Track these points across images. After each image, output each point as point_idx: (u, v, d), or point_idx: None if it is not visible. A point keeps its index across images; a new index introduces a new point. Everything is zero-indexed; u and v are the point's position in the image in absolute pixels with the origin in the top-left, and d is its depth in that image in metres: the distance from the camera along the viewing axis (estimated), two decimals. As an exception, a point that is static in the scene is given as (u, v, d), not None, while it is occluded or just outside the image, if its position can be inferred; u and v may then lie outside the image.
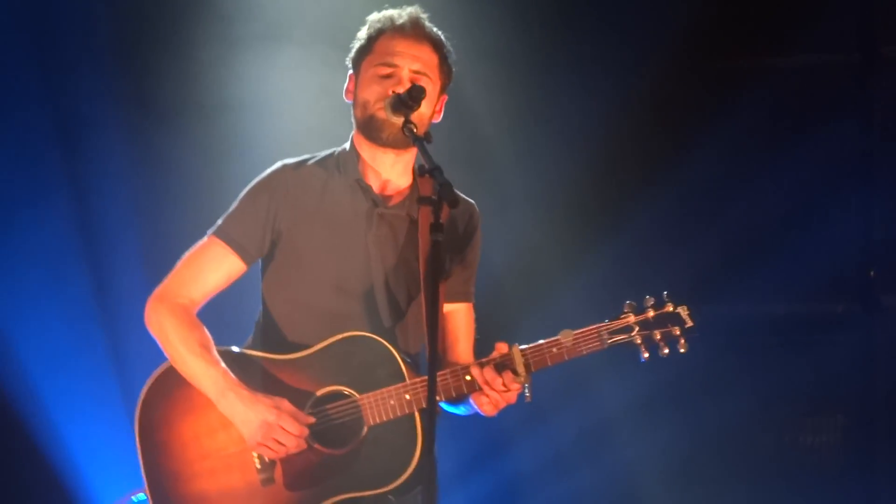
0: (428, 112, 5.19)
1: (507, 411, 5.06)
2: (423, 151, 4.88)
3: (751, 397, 8.44)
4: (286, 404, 5.01)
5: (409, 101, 5.02)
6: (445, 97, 5.30)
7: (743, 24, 8.31)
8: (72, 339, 7.79)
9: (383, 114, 5.11)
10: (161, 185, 7.89)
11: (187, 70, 7.88)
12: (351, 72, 5.29)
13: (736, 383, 8.40)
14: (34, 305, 7.78)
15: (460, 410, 5.19)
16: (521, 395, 5.00)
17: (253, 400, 5.00)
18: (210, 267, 5.20)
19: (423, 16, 5.25)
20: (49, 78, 7.85)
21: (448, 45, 5.27)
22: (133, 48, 7.91)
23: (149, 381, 5.15)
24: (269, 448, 4.99)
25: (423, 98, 5.04)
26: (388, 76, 5.15)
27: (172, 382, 5.12)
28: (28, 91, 7.79)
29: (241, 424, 5.01)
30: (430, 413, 4.57)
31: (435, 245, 4.61)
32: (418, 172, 5.24)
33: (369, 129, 5.18)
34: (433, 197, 4.67)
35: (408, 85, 5.09)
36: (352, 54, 5.29)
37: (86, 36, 7.86)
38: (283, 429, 4.96)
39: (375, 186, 5.24)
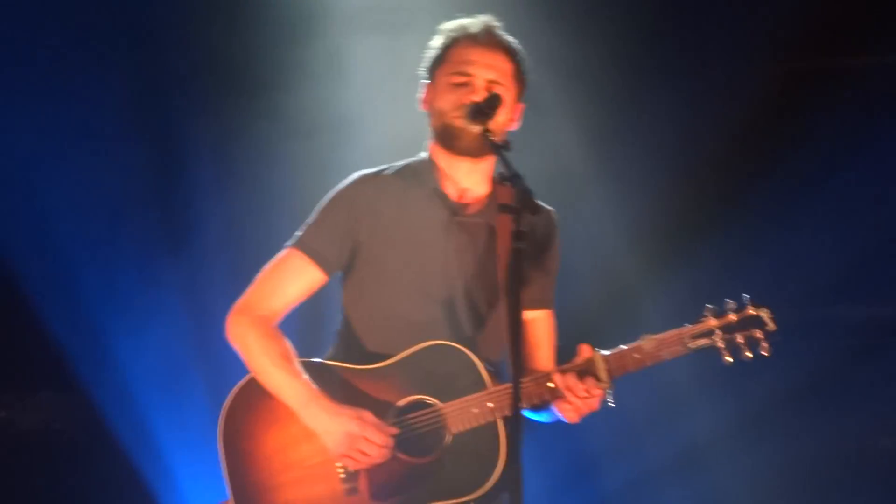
0: (505, 120, 5.18)
1: (595, 431, 5.05)
2: (503, 159, 4.85)
3: (834, 402, 8.39)
4: (369, 415, 5.01)
5: (486, 109, 5.03)
6: (522, 105, 5.30)
7: (827, 25, 8.25)
8: (166, 351, 7.91)
9: (460, 122, 5.11)
10: (259, 202, 8.05)
11: (293, 90, 8.00)
12: (426, 81, 5.31)
13: (817, 388, 8.36)
14: (132, 316, 7.92)
15: (543, 417, 5.17)
16: (604, 402, 4.99)
17: (336, 411, 5.02)
18: (290, 278, 5.22)
19: (497, 24, 5.26)
20: (152, 95, 8.03)
21: (523, 52, 5.27)
22: (242, 72, 8.05)
23: (232, 393, 5.19)
24: (353, 458, 5.00)
25: (500, 106, 5.05)
26: (463, 84, 5.16)
27: (255, 394, 5.15)
28: (129, 109, 7.94)
29: (324, 435, 5.03)
30: (515, 421, 4.55)
31: (517, 253, 4.58)
32: (497, 180, 5.24)
33: (446, 137, 5.19)
34: (514, 205, 4.67)
35: (483, 93, 5.10)
36: (426, 64, 5.30)
37: (190, 60, 8.03)
38: (367, 439, 4.97)
39: (453, 195, 5.25)
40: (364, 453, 4.99)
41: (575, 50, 7.98)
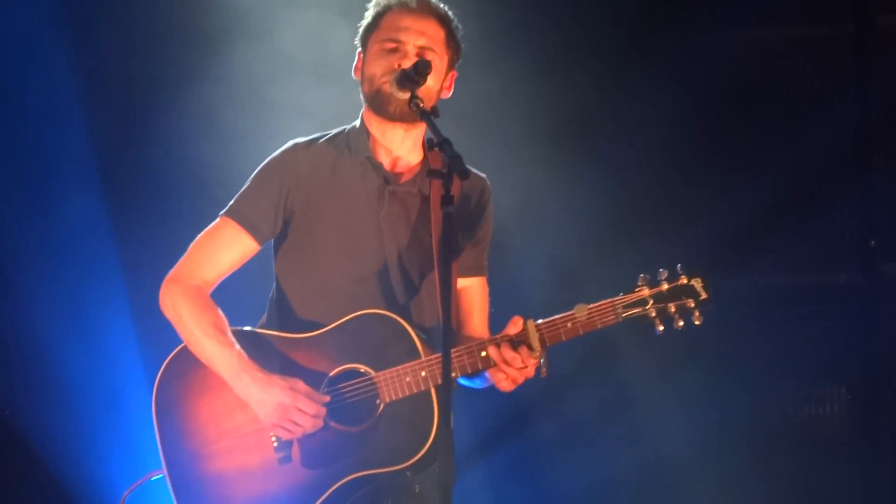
0: (436, 86, 5.07)
1: (525, 387, 5.01)
2: (432, 125, 4.76)
3: (753, 370, 8.39)
4: (301, 385, 4.89)
5: (414, 76, 4.90)
6: (455, 73, 5.17)
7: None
8: (96, 320, 7.80)
9: (388, 87, 5.00)
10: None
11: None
12: (359, 50, 5.18)
13: (737, 356, 8.35)
14: (61, 285, 7.80)
15: (476, 384, 5.07)
16: (537, 369, 4.93)
17: (268, 382, 4.90)
18: (223, 247, 5.10)
19: None
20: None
21: (455, 20, 5.14)
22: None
23: (165, 363, 5.06)
24: (285, 429, 4.88)
25: (428, 73, 4.91)
26: (394, 50, 5.05)
27: (188, 364, 5.02)
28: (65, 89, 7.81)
29: (256, 406, 4.91)
30: (445, 389, 4.43)
31: (446, 218, 4.50)
32: (427, 147, 5.07)
33: (376, 102, 5.06)
34: (443, 170, 4.59)
35: (414, 59, 4.98)
36: (359, 33, 5.19)
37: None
38: (299, 409, 4.85)
39: (386, 164, 5.13)
40: (296, 423, 4.87)
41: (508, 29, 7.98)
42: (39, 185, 7.83)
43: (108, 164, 7.93)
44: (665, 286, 4.91)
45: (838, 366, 8.43)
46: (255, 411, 4.95)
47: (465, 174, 4.57)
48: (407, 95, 4.94)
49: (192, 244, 5.16)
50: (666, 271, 4.92)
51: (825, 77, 8.30)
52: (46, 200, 7.82)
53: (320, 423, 4.92)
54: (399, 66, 5.01)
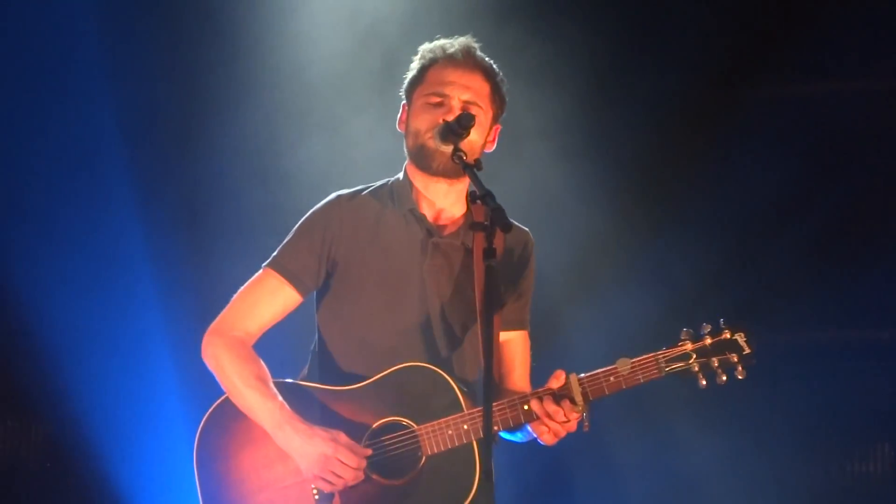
0: (479, 140, 5.03)
1: (566, 440, 4.98)
2: (474, 178, 4.74)
3: (797, 425, 8.34)
4: (343, 437, 4.85)
5: (458, 129, 4.87)
6: (499, 127, 5.14)
7: (785, 48, 8.22)
8: (138, 369, 7.82)
9: (433, 143, 4.98)
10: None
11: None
12: (404, 102, 5.16)
13: (781, 411, 8.30)
14: (103, 339, 7.81)
15: (517, 437, 5.01)
16: (579, 423, 4.89)
17: (310, 433, 4.86)
18: (265, 299, 5.09)
19: (475, 45, 5.12)
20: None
21: (500, 74, 5.13)
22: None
23: (207, 414, 5.03)
24: (327, 480, 4.84)
25: (472, 126, 4.89)
26: (439, 104, 5.03)
27: (230, 415, 5.00)
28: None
29: (298, 457, 4.87)
30: (487, 442, 4.43)
31: (489, 270, 4.47)
32: (471, 199, 5.07)
33: (420, 158, 5.04)
34: (485, 223, 4.56)
35: (458, 113, 4.95)
36: (405, 85, 5.18)
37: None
38: (341, 461, 4.81)
39: (430, 216, 5.10)
40: (338, 475, 4.83)
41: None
42: (82, 223, 7.87)
43: (153, 203, 7.97)
44: (708, 340, 4.87)
45: (883, 422, 8.34)
46: (296, 463, 4.91)
47: (508, 227, 4.55)
48: (450, 148, 4.92)
49: (234, 295, 5.15)
50: (709, 325, 4.88)
51: (874, 132, 8.26)
52: (91, 240, 7.86)
53: (361, 476, 4.88)
54: (443, 120, 4.98)
